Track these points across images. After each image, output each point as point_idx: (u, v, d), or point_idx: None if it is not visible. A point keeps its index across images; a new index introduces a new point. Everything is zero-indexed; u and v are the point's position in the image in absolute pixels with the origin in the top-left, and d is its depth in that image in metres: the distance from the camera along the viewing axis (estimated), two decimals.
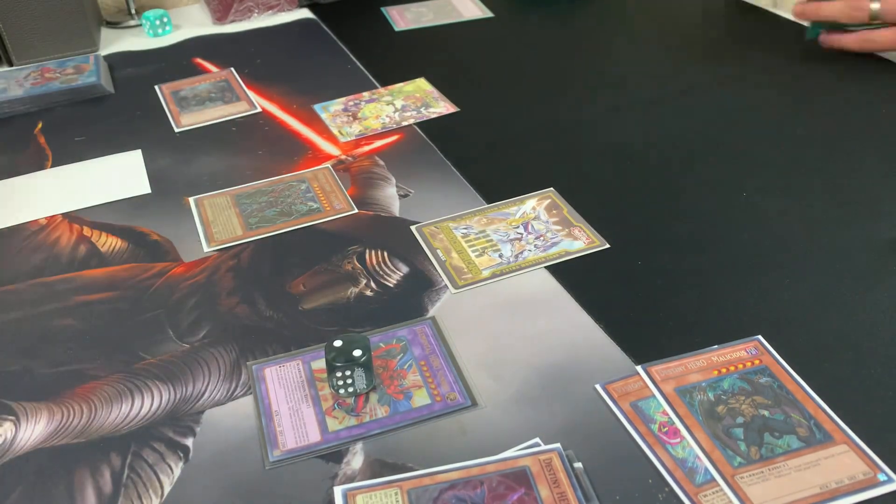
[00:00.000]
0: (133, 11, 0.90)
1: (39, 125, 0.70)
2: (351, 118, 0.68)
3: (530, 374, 0.42)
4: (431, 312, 0.47)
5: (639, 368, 0.42)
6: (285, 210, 0.56)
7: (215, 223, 0.55)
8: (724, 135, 0.63)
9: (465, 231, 0.53)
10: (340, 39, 0.83)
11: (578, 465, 0.37)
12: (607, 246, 0.51)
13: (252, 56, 0.81)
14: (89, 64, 0.78)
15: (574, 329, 0.45)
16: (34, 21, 0.79)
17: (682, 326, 0.45)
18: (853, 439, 0.37)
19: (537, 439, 0.38)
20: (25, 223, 0.57)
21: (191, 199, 0.58)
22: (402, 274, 0.50)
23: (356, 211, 0.56)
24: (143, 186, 0.60)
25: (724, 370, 0.41)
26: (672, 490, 0.36)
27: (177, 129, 0.67)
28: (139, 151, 0.65)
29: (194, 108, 0.70)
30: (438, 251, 0.51)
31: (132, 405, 0.42)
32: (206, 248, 0.53)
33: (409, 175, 0.60)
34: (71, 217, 0.58)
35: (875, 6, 0.66)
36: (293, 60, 0.80)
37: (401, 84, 0.73)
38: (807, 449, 0.37)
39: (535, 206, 0.55)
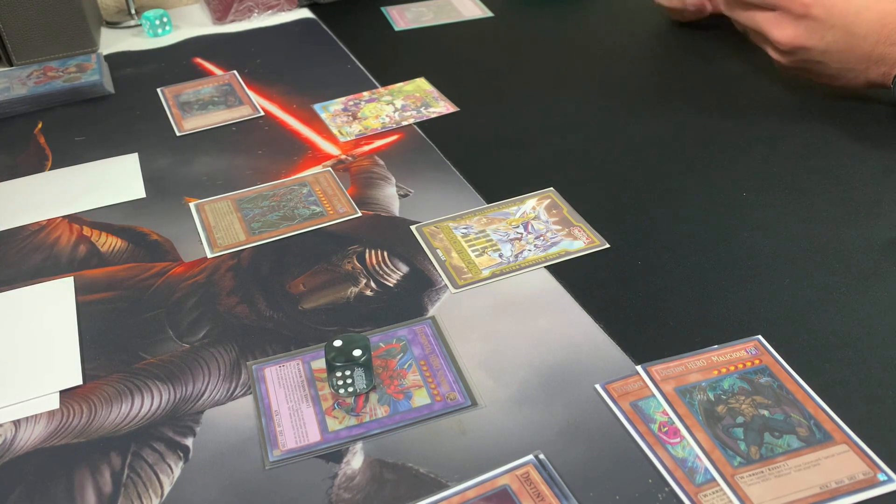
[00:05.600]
0: (133, 11, 0.90)
1: (39, 125, 0.70)
2: (351, 118, 0.68)
3: (530, 374, 0.42)
4: (431, 312, 0.47)
5: (639, 368, 0.42)
6: (288, 214, 0.56)
7: (217, 228, 0.55)
8: (724, 134, 0.63)
9: (465, 231, 0.53)
10: (340, 39, 0.83)
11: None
12: (607, 246, 0.51)
13: (252, 56, 0.81)
14: (91, 62, 0.78)
15: (574, 329, 0.45)
16: (34, 21, 0.79)
17: (682, 326, 0.45)
18: (853, 439, 0.37)
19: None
20: (23, 225, 0.57)
21: (191, 204, 0.58)
22: (402, 274, 0.50)
23: (359, 214, 0.56)
24: (138, 191, 0.60)
25: (724, 370, 0.41)
26: (672, 490, 0.36)
27: (178, 134, 0.67)
28: (136, 155, 0.64)
29: (197, 113, 0.70)
30: (438, 251, 0.51)
31: (132, 405, 0.42)
32: (209, 254, 0.53)
33: (409, 175, 0.60)
34: (71, 217, 0.58)
35: None
36: (293, 60, 0.80)
37: (401, 84, 0.73)
38: (807, 449, 0.37)
39: (535, 206, 0.55)
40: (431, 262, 0.51)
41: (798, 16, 0.60)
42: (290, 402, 0.41)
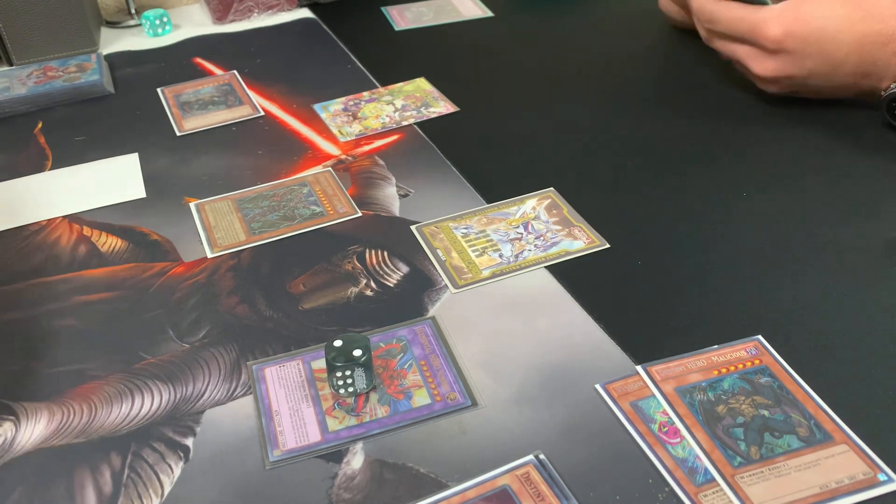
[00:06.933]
0: (133, 11, 0.90)
1: (39, 125, 0.70)
2: (351, 118, 0.68)
3: (530, 374, 0.42)
4: (431, 312, 0.47)
5: (639, 368, 0.42)
6: (288, 214, 0.56)
7: (217, 228, 0.55)
8: (724, 134, 0.63)
9: (465, 231, 0.53)
10: (340, 39, 0.83)
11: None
12: (607, 246, 0.51)
13: (252, 56, 0.81)
14: (91, 62, 0.78)
15: (574, 329, 0.45)
16: (34, 21, 0.79)
17: (682, 326, 0.45)
18: (853, 439, 0.37)
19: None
20: (23, 225, 0.57)
21: (191, 204, 0.58)
22: (402, 274, 0.50)
23: (359, 214, 0.56)
24: (138, 191, 0.60)
25: (724, 370, 0.41)
26: (672, 490, 0.36)
27: (179, 134, 0.67)
28: (136, 155, 0.65)
29: (197, 113, 0.70)
30: (438, 251, 0.52)
31: (132, 405, 0.42)
32: (209, 254, 0.53)
33: (409, 175, 0.60)
34: (71, 217, 0.58)
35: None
36: (293, 60, 0.80)
37: (401, 84, 0.73)
38: (807, 449, 0.37)
39: (535, 206, 0.55)
40: (431, 262, 0.51)
41: (773, 51, 0.59)
42: (290, 402, 0.41)
